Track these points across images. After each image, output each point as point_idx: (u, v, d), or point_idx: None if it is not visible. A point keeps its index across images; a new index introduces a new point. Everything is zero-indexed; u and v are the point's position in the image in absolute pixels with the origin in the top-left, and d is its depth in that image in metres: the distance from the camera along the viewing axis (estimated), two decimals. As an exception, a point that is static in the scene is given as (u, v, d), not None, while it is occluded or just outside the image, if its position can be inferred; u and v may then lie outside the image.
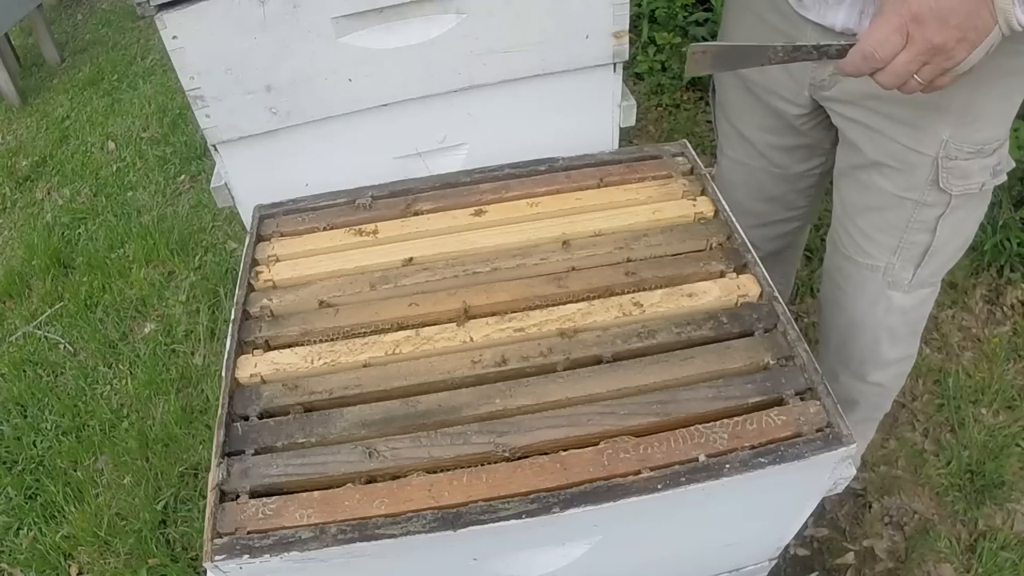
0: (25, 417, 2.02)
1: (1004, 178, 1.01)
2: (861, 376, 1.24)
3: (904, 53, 0.74)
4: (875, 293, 1.10)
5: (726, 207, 1.00)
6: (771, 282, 0.89)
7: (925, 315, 1.17)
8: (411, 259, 0.98)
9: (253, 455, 0.79)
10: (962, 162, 0.96)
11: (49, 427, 1.98)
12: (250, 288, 0.98)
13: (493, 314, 0.91)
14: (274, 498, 0.75)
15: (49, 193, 2.85)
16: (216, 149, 1.06)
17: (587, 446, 0.76)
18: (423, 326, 0.90)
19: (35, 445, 1.95)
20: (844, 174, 1.09)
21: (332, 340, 0.90)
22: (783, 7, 1.01)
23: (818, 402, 0.78)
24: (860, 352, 1.20)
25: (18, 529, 1.78)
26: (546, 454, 0.76)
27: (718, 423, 0.77)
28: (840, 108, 1.03)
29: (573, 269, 0.95)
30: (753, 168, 1.25)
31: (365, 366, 0.87)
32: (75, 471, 1.87)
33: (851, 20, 0.92)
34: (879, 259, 1.07)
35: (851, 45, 0.79)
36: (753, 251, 0.95)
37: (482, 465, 0.76)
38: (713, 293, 0.90)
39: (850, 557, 1.60)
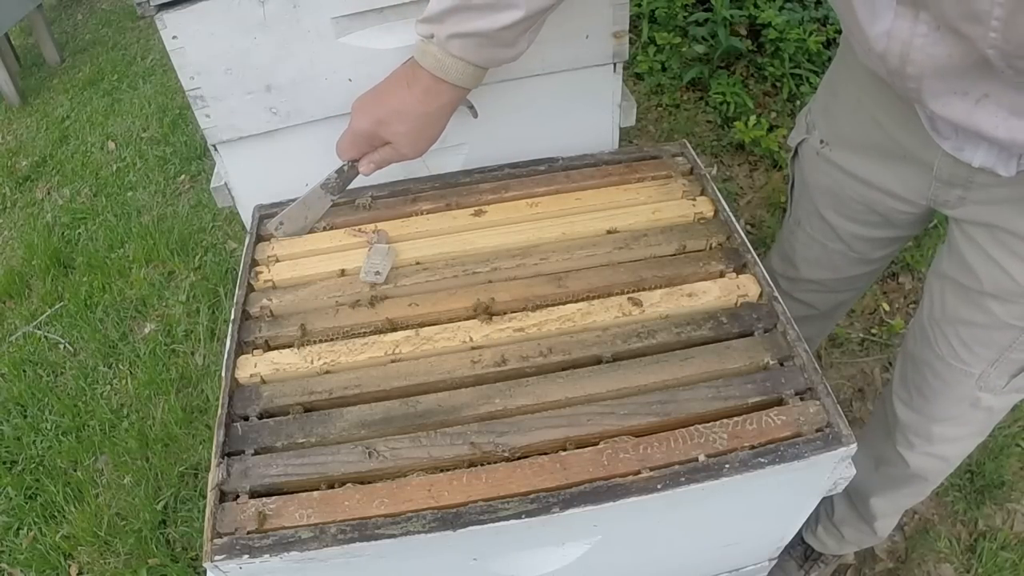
0: (25, 417, 2.02)
1: None
2: (937, 454, 1.21)
3: None
4: (966, 392, 1.07)
5: (726, 207, 1.00)
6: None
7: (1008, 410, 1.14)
8: (413, 260, 0.98)
9: (253, 455, 0.79)
10: None
11: (49, 427, 1.98)
12: (250, 288, 0.98)
13: (493, 314, 0.91)
14: (274, 498, 0.75)
15: (49, 193, 2.85)
16: (216, 149, 1.06)
17: (587, 446, 0.76)
18: (423, 326, 0.90)
19: (35, 445, 1.95)
20: (947, 279, 1.02)
21: (332, 340, 0.91)
22: (913, 125, 0.90)
23: (818, 402, 0.78)
24: (940, 434, 1.16)
25: (18, 529, 1.78)
26: (546, 454, 0.76)
27: (718, 423, 0.77)
28: (964, 226, 0.97)
29: (573, 269, 0.95)
30: (829, 249, 1.19)
31: (365, 366, 0.87)
32: (75, 471, 1.87)
33: (990, 160, 0.84)
34: (975, 367, 1.03)
35: None
36: (753, 251, 0.95)
37: (482, 465, 0.76)
38: (713, 293, 0.90)
39: (850, 557, 1.60)
